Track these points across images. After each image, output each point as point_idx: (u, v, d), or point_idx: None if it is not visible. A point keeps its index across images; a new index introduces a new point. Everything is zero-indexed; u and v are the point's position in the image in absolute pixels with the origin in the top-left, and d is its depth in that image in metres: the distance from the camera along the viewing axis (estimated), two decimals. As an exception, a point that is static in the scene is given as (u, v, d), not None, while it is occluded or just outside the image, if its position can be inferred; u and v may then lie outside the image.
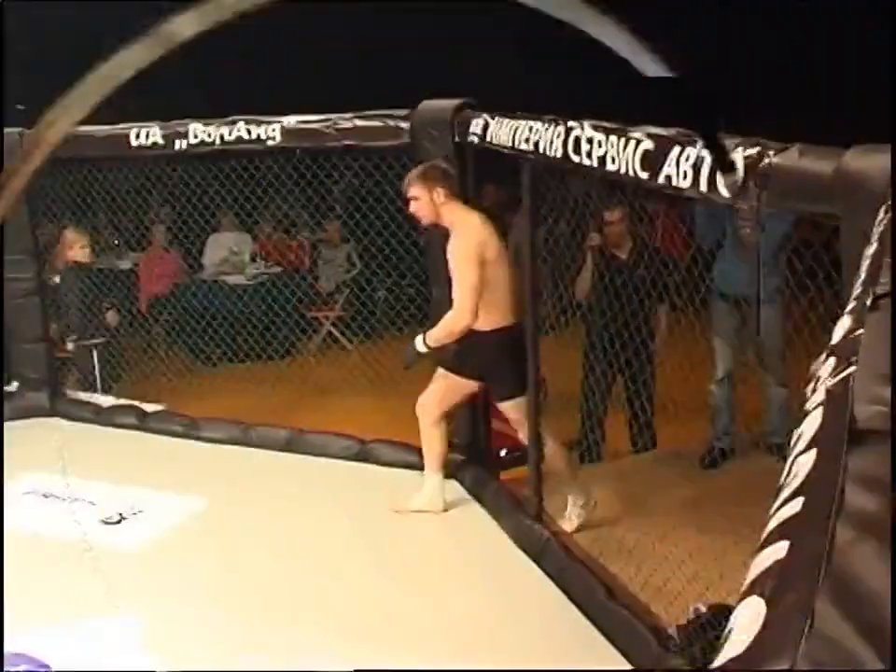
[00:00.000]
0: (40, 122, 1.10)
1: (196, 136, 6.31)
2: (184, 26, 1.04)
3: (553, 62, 12.71)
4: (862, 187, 2.76)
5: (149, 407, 7.20)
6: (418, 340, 5.12)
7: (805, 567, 0.91)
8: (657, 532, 4.97)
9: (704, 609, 4.13)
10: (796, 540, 1.00)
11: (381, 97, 6.11)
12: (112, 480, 5.95)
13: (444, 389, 5.33)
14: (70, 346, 7.65)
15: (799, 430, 1.32)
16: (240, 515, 5.50)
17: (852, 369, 1.34)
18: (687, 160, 3.42)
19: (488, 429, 5.82)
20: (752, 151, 3.14)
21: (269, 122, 6.11)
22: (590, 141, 4.06)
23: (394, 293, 9.77)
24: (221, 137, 6.22)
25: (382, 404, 5.67)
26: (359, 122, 5.84)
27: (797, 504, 1.08)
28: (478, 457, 5.71)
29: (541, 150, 4.46)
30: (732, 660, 0.89)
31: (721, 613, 4.02)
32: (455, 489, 5.59)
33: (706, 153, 3.28)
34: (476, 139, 5.21)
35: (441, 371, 5.34)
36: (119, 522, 5.45)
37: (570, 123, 4.24)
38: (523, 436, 5.38)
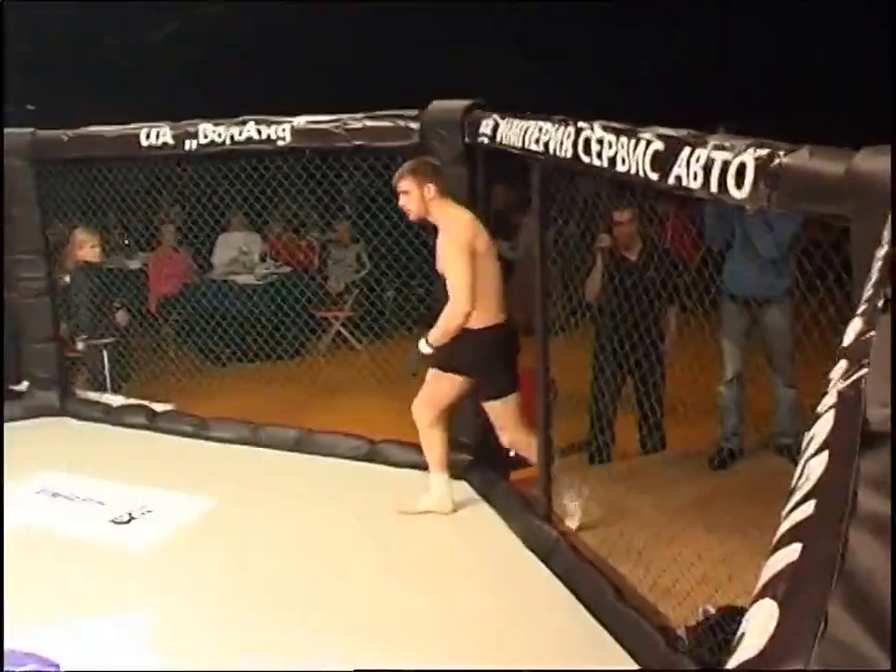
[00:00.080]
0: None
1: (206, 136, 6.32)
2: None
3: (553, 61, 12.74)
4: (873, 188, 2.75)
5: (159, 407, 7.21)
6: (421, 343, 5.11)
7: (818, 569, 0.91)
8: (666, 533, 4.97)
9: (713, 611, 4.12)
10: (809, 543, 1.00)
11: (380, 97, 6.13)
12: (122, 479, 5.96)
13: (436, 389, 5.33)
14: (80, 346, 7.67)
15: (811, 433, 1.32)
16: (249, 515, 5.50)
17: (864, 371, 1.34)
18: (697, 160, 3.41)
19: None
20: (763, 152, 3.13)
21: (279, 122, 6.12)
22: (600, 142, 4.06)
23: (403, 293, 9.76)
24: (231, 137, 6.24)
25: (391, 404, 5.67)
26: (369, 123, 5.84)
27: (809, 507, 1.08)
28: (487, 458, 5.70)
29: (551, 151, 4.45)
30: (745, 663, 0.89)
31: (731, 615, 4.02)
32: (463, 489, 5.60)
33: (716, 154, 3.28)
34: (486, 140, 5.21)
35: (432, 371, 5.34)
36: (128, 521, 5.46)
37: (580, 124, 4.24)
38: (506, 440, 5.38)
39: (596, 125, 4.12)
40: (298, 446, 6.45)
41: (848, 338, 1.63)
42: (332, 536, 5.22)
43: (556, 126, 4.44)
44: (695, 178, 3.41)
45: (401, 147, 5.74)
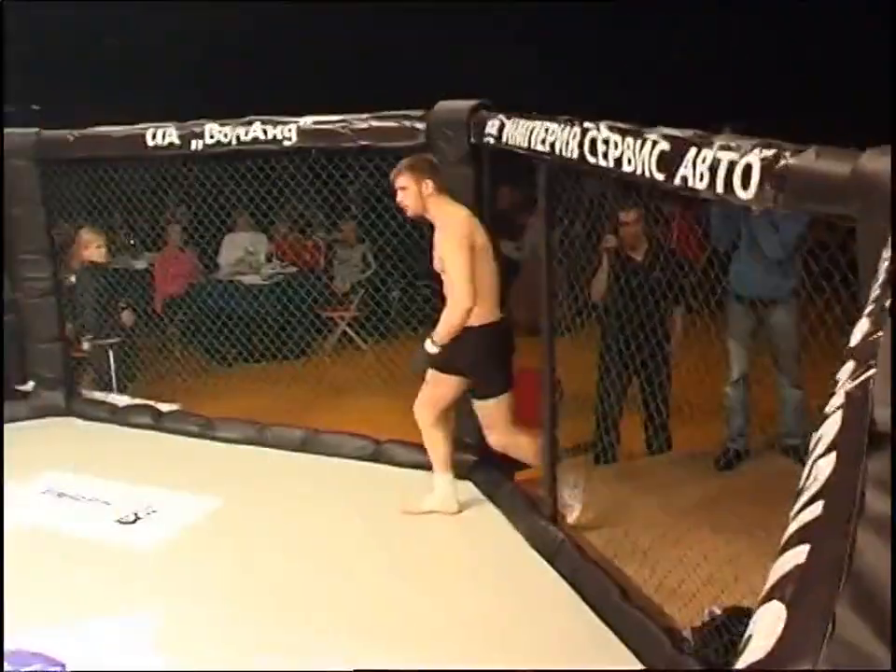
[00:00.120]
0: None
1: (212, 137, 6.32)
2: None
3: (553, 62, 12.75)
4: (879, 189, 2.75)
5: (165, 407, 7.22)
6: (427, 342, 5.10)
7: (826, 571, 0.91)
8: (672, 534, 4.96)
9: (719, 612, 4.12)
10: (817, 544, 1.00)
11: (380, 97, 6.14)
12: (127, 479, 5.97)
13: (436, 389, 5.32)
14: (86, 346, 7.67)
15: (818, 433, 1.32)
16: (254, 515, 5.51)
17: (871, 372, 1.33)
18: (703, 161, 3.40)
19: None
20: (769, 153, 3.13)
21: (285, 123, 6.12)
22: (606, 142, 4.05)
23: (409, 293, 9.77)
24: (237, 138, 6.24)
25: (396, 404, 5.66)
26: (375, 123, 5.84)
27: (817, 508, 1.08)
28: (492, 458, 5.70)
29: (557, 151, 4.45)
30: (753, 664, 0.89)
31: (736, 616, 4.02)
32: (468, 490, 5.59)
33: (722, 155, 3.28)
34: (492, 140, 5.20)
35: (431, 371, 5.34)
36: (134, 521, 5.46)
37: (586, 124, 4.23)
38: (493, 440, 5.36)
39: (602, 125, 4.11)
40: (303, 446, 6.45)
41: (856, 338, 1.63)
42: (337, 536, 5.22)
43: (562, 126, 4.43)
44: (701, 179, 3.40)
45: (407, 148, 5.73)
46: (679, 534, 4.94)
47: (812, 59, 11.96)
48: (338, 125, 5.97)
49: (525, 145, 4.76)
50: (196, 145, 6.40)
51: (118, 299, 7.77)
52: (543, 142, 4.58)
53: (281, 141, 6.14)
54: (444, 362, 5.19)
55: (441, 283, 5.25)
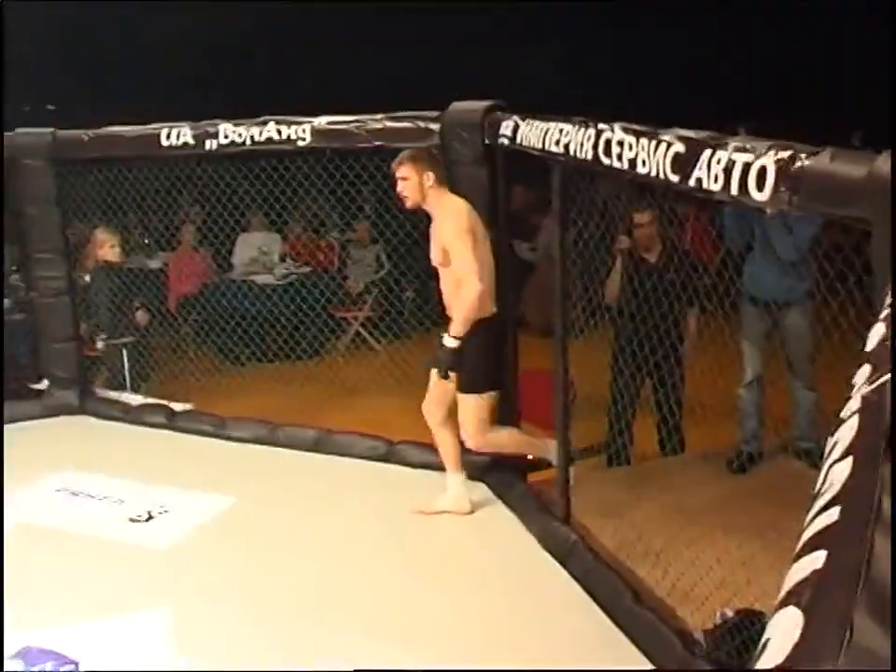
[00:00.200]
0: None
1: (226, 136, 6.34)
2: None
3: (554, 62, 12.75)
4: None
5: (178, 406, 7.23)
6: (445, 338, 5.04)
7: (843, 577, 0.91)
8: (684, 536, 4.96)
9: (731, 614, 4.11)
10: (833, 550, 0.99)
11: (381, 97, 6.15)
12: (140, 478, 5.98)
13: (442, 388, 5.31)
14: (100, 345, 7.70)
15: (835, 438, 1.31)
16: (267, 514, 5.51)
17: (888, 376, 1.33)
18: (718, 163, 3.40)
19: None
20: (784, 154, 3.12)
21: (299, 123, 6.13)
22: (620, 143, 4.05)
23: (422, 294, 9.77)
24: (251, 138, 6.25)
25: (409, 405, 5.65)
26: (389, 123, 5.84)
27: (834, 513, 1.07)
28: (505, 459, 5.69)
29: (571, 152, 4.45)
30: (771, 670, 0.88)
31: (749, 618, 4.01)
32: (481, 491, 5.59)
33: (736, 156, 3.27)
34: (506, 141, 5.20)
35: (435, 370, 5.33)
36: (147, 520, 5.47)
37: (601, 125, 4.23)
38: (472, 443, 5.29)
39: (617, 127, 4.11)
40: (316, 446, 6.46)
41: (872, 342, 1.62)
42: (350, 536, 5.22)
43: (577, 128, 4.43)
44: (716, 180, 3.40)
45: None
46: (691, 536, 4.94)
47: (812, 59, 11.96)
48: (352, 125, 5.97)
49: (540, 146, 4.75)
50: (210, 145, 6.41)
51: (132, 298, 7.80)
52: (558, 143, 4.58)
53: (295, 141, 6.15)
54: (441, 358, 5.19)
55: (437, 278, 5.25)
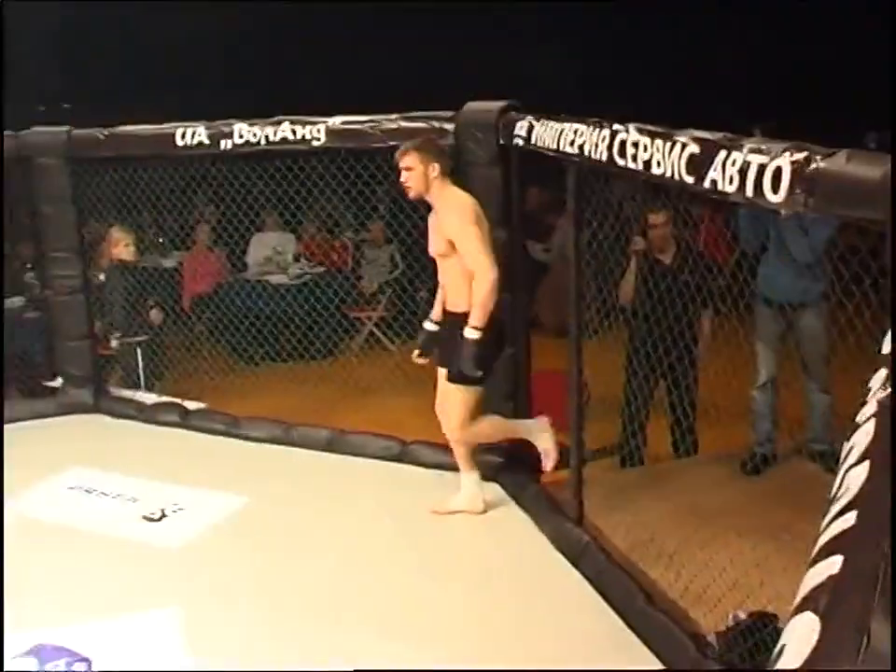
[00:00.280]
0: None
1: (241, 136, 6.34)
2: None
3: (555, 63, 12.75)
4: (912, 193, 2.73)
5: (192, 405, 7.24)
6: (466, 331, 4.98)
7: (860, 582, 0.90)
8: (698, 537, 4.95)
9: (743, 616, 4.10)
10: (850, 556, 0.99)
11: (409, 97, 6.14)
12: (154, 477, 5.99)
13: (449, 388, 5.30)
14: (114, 344, 7.71)
15: (851, 442, 1.30)
16: (280, 514, 5.52)
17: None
18: (733, 164, 3.39)
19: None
20: (799, 156, 3.11)
21: (314, 123, 6.13)
22: (635, 144, 4.04)
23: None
24: (266, 137, 6.26)
25: (423, 405, 5.65)
26: (404, 123, 5.84)
27: (851, 518, 1.06)
28: (518, 460, 5.69)
29: (586, 153, 4.44)
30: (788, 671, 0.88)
31: (761, 621, 4.00)
32: (495, 491, 5.59)
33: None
34: (521, 141, 5.20)
35: (441, 370, 5.32)
36: (160, 518, 5.48)
37: (615, 126, 4.22)
38: (448, 427, 5.27)
39: (632, 128, 4.10)
40: (330, 446, 6.46)
41: (888, 346, 1.61)
42: (363, 535, 5.23)
43: (591, 128, 4.42)
44: (731, 182, 3.39)
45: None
46: (705, 537, 4.93)
47: (812, 59, 11.95)
48: (367, 125, 5.98)
49: (554, 146, 4.75)
50: (225, 144, 6.42)
51: (146, 297, 7.81)
52: (572, 144, 4.57)
53: (310, 141, 6.15)
54: (447, 360, 5.19)
55: (435, 267, 5.25)
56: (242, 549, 5.12)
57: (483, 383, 5.18)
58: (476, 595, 4.59)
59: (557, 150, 4.73)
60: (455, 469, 5.51)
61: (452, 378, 5.19)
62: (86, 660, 3.96)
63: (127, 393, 7.51)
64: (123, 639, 4.17)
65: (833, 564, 0.99)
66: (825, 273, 5.71)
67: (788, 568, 3.94)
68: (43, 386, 7.61)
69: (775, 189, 3.17)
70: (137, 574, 4.83)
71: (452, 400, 5.22)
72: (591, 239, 5.27)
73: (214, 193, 8.70)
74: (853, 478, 1.17)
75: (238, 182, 7.65)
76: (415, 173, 5.11)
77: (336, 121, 6.10)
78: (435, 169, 5.10)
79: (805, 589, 1.02)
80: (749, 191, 3.29)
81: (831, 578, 0.98)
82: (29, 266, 8.68)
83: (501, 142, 5.47)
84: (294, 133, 6.18)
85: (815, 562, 1.05)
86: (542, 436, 5.35)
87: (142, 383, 7.64)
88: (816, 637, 0.88)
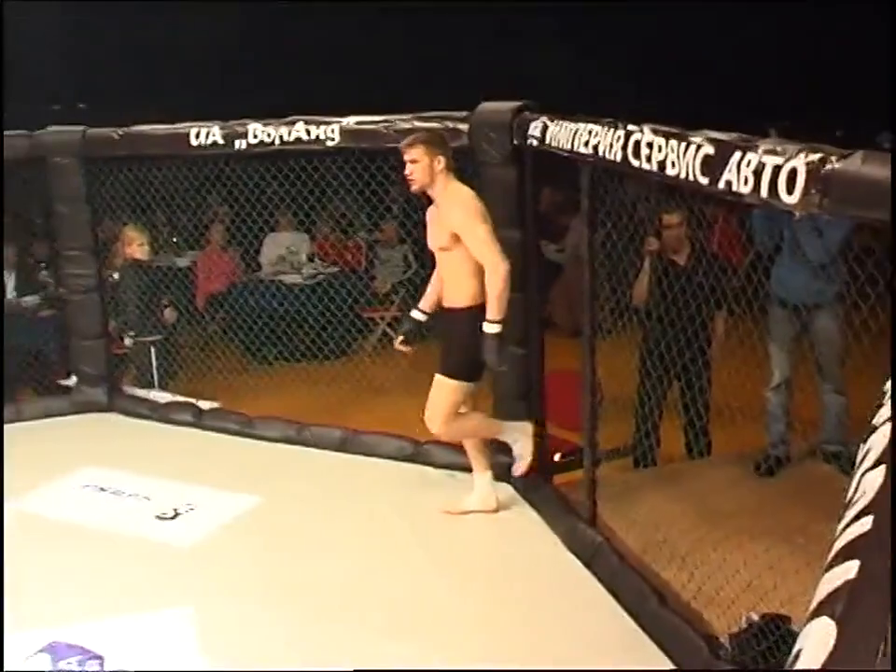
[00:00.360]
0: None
1: (255, 136, 6.35)
2: None
3: (558, 63, 12.75)
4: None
5: (205, 404, 7.25)
6: (486, 327, 4.94)
7: (876, 587, 0.90)
8: (711, 539, 4.94)
9: (756, 618, 4.09)
10: (866, 560, 0.98)
11: (423, 98, 6.15)
12: (167, 476, 6.00)
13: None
14: (128, 343, 7.73)
15: (867, 445, 1.30)
16: (293, 514, 5.52)
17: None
18: (748, 165, 3.37)
19: (542, 433, 5.79)
20: (814, 157, 3.10)
21: (328, 123, 6.13)
22: (650, 145, 4.03)
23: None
24: (280, 137, 6.26)
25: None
26: (418, 124, 5.84)
27: (867, 522, 1.06)
28: (532, 461, 5.68)
29: (601, 153, 4.43)
30: None
31: (774, 623, 3.99)
32: (507, 492, 5.59)
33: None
34: (535, 141, 5.19)
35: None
36: (173, 517, 5.49)
37: (630, 127, 4.21)
38: (430, 419, 5.25)
39: (646, 128, 4.09)
40: (343, 446, 6.47)
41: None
42: (376, 536, 5.23)
43: (606, 129, 4.41)
44: (746, 183, 3.38)
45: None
46: (718, 539, 4.91)
47: (812, 58, 11.93)
48: (381, 125, 5.98)
49: (569, 147, 4.74)
50: (239, 144, 6.43)
51: (160, 296, 7.82)
52: (587, 144, 4.56)
53: (324, 141, 6.16)
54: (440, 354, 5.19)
55: (434, 260, 5.25)
56: (254, 548, 5.13)
57: (475, 380, 5.19)
58: (488, 596, 4.59)
59: (571, 150, 4.72)
60: (468, 469, 5.51)
61: (441, 370, 5.19)
62: (99, 658, 3.97)
63: (141, 392, 7.52)
64: (136, 637, 4.18)
65: (850, 569, 0.99)
66: (840, 275, 5.69)
67: (801, 571, 3.93)
68: (57, 385, 7.65)
69: (790, 191, 3.16)
70: (150, 573, 4.84)
71: (437, 392, 5.21)
72: (605, 239, 5.26)
73: (228, 193, 8.70)
74: (869, 482, 1.16)
75: (252, 182, 7.66)
76: (420, 165, 5.09)
77: (350, 121, 6.10)
78: (440, 162, 5.09)
79: (821, 593, 1.01)
80: (764, 192, 3.28)
81: (847, 583, 0.97)
82: (44, 265, 8.70)
83: (515, 142, 5.46)
84: (308, 133, 6.19)
85: (831, 566, 1.04)
86: (521, 441, 5.36)
87: (156, 382, 7.66)
88: (832, 641, 0.87)
